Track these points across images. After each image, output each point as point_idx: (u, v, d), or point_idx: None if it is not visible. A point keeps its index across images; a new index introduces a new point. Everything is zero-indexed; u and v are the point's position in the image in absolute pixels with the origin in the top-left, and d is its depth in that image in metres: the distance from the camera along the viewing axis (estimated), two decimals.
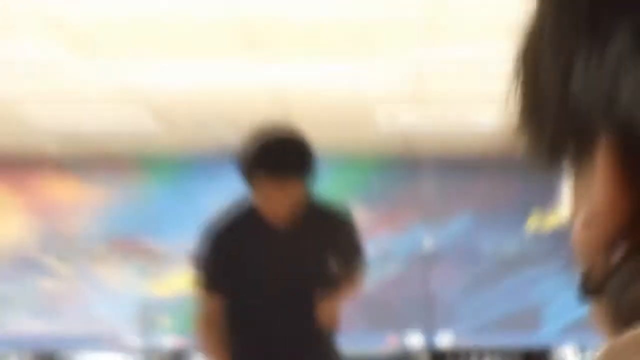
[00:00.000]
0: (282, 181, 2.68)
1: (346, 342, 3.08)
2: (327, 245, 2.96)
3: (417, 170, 6.45)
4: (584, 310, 0.35)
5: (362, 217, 4.13)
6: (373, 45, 4.44)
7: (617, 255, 0.33)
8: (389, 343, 6.38)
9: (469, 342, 6.45)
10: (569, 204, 0.36)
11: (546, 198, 5.86)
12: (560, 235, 5.54)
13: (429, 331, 6.41)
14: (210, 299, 2.84)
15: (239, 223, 2.84)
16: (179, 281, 5.87)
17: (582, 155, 0.33)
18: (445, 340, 6.45)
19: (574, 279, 0.34)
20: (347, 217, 3.06)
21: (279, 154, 2.72)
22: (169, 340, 6.14)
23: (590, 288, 0.34)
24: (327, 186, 3.44)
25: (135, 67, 4.87)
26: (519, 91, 0.36)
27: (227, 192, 3.28)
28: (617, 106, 0.31)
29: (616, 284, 0.32)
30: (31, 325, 6.34)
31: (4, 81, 5.05)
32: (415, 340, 6.45)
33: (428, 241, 6.53)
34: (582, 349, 5.78)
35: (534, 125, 0.36)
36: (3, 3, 4.00)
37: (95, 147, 6.22)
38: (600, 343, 0.32)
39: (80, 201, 6.37)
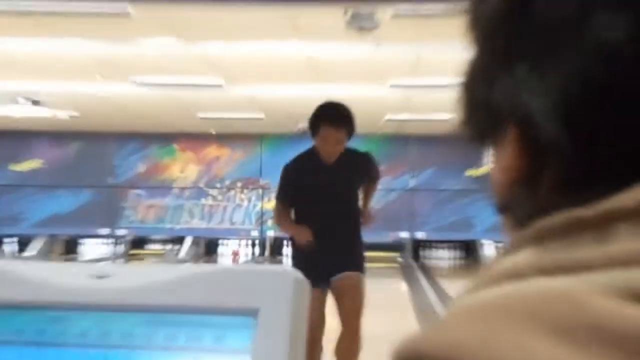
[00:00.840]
0: (335, 128, 3.42)
1: (366, 236, 3.83)
2: (358, 171, 3.76)
3: (406, 143, 10.53)
4: (498, 220, 0.43)
5: None
6: (381, 76, 7.00)
7: (515, 190, 0.41)
8: (390, 237, 10.10)
9: (433, 237, 10.52)
10: (491, 162, 0.44)
11: (477, 159, 9.59)
12: (485, 179, 8.05)
13: (412, 230, 10.54)
14: (283, 206, 3.72)
15: (303, 161, 3.66)
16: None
17: (498, 136, 0.41)
18: (420, 235, 10.55)
19: (492, 202, 0.43)
20: (370, 156, 3.95)
21: (334, 111, 3.51)
22: (272, 233, 10.10)
23: (500, 208, 0.43)
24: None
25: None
26: (463, 99, 0.45)
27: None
28: (517, 108, 0.40)
29: (514, 205, 0.42)
30: (199, 224, 10.62)
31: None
32: (404, 235, 10.52)
33: (412, 182, 10.78)
34: (497, 243, 9.13)
35: (471, 119, 0.44)
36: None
37: (231, 129, 10.00)
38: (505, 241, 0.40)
39: (225, 158, 10.61)
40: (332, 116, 3.46)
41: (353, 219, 3.70)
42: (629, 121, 0.37)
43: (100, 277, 0.53)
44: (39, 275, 0.54)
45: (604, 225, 0.36)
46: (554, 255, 0.36)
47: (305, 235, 3.51)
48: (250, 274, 0.53)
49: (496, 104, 0.41)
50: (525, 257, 0.37)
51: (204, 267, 0.56)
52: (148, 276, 0.53)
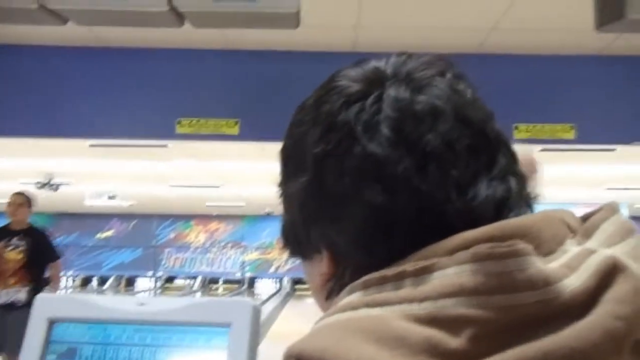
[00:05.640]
0: None
1: None
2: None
3: None
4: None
5: None
6: None
7: (329, 284, 0.48)
8: None
9: None
10: (306, 272, 0.49)
11: None
12: None
13: None
14: None
15: None
16: None
17: (314, 254, 0.49)
18: None
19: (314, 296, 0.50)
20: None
21: None
22: (249, 274, 12.91)
23: (319, 300, 0.48)
24: None
25: None
26: (288, 234, 0.50)
27: None
28: (329, 242, 0.47)
29: (330, 292, 0.48)
30: (205, 269, 13.28)
31: None
32: None
33: None
34: None
35: (294, 244, 0.51)
36: None
37: (225, 212, 12.41)
38: None
39: (222, 229, 13.51)
40: None
41: None
42: (385, 243, 0.46)
43: (140, 304, 0.64)
44: (104, 303, 0.65)
45: (399, 278, 0.43)
46: (373, 296, 0.43)
47: None
48: (227, 302, 0.63)
49: (314, 239, 0.49)
50: (356, 297, 0.44)
51: (200, 299, 0.67)
52: (168, 304, 0.64)
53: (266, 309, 8.36)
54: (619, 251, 0.44)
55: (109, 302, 0.65)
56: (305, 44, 3.55)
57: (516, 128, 3.73)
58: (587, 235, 0.46)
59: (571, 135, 3.75)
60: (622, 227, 0.47)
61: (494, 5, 3.18)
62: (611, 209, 0.49)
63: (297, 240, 0.52)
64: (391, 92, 0.48)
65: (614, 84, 3.88)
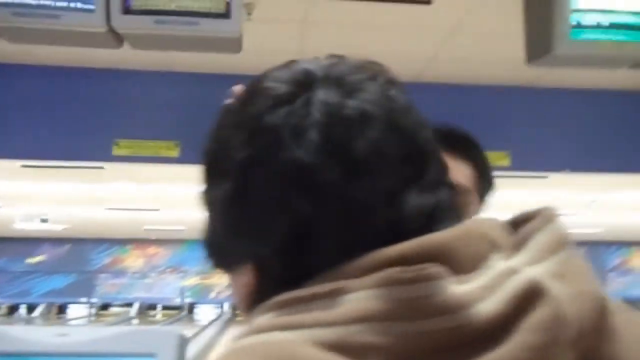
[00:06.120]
0: None
1: None
2: None
3: None
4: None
5: None
6: None
7: (252, 296, 0.47)
8: None
9: None
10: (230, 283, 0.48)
11: None
12: None
13: None
14: None
15: None
16: None
17: (238, 264, 0.48)
18: None
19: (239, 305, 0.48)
20: None
21: None
22: (188, 300, 12.81)
23: (243, 311, 0.46)
24: None
25: None
26: (212, 247, 0.49)
27: None
28: (253, 254, 0.46)
29: (253, 303, 0.46)
30: (143, 294, 13.07)
31: None
32: None
33: None
34: None
35: (219, 256, 0.49)
36: None
37: (164, 236, 12.64)
38: None
39: (160, 254, 13.38)
40: None
41: None
42: (311, 255, 0.45)
43: (61, 335, 0.62)
44: (22, 335, 0.62)
45: (310, 300, 0.42)
46: (285, 318, 0.42)
47: None
48: (151, 331, 0.63)
49: (238, 249, 0.48)
50: (268, 318, 0.44)
51: (125, 328, 0.64)
52: (91, 334, 0.62)
53: (206, 335, 8.22)
54: (545, 269, 0.42)
55: (28, 334, 0.63)
56: (248, 67, 3.54)
57: None
58: (518, 247, 0.44)
59: (506, 162, 3.90)
60: (555, 239, 0.45)
61: (432, 37, 3.29)
62: (546, 217, 0.47)
63: (220, 250, 0.50)
64: (320, 95, 0.46)
65: (545, 114, 4.08)
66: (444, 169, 0.50)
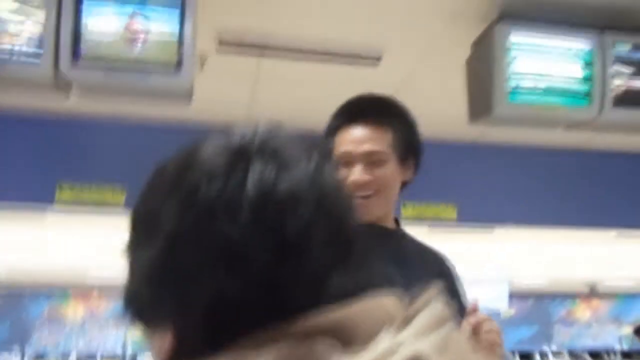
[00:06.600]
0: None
1: None
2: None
3: None
4: None
5: None
6: None
7: (171, 358, 0.47)
8: None
9: None
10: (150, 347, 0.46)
11: None
12: None
13: None
14: None
15: None
16: None
17: (158, 327, 0.48)
18: None
19: None
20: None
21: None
22: (130, 351, 12.47)
23: None
24: None
25: None
26: (128, 295, 0.49)
27: None
28: (173, 322, 0.47)
29: None
30: (82, 347, 12.60)
31: None
32: None
33: None
34: None
35: (137, 314, 0.49)
36: None
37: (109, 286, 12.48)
38: None
39: (104, 304, 12.98)
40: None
41: None
42: (228, 331, 0.45)
43: None
44: None
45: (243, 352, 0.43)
46: None
47: None
48: None
49: (159, 315, 0.49)
50: None
51: None
52: None
53: None
54: (427, 344, 0.44)
55: None
56: (199, 116, 3.57)
57: (404, 205, 3.86)
58: (406, 323, 0.46)
59: (453, 215, 3.96)
60: (435, 318, 0.47)
61: (382, 92, 3.43)
62: (427, 298, 0.49)
63: (140, 310, 0.50)
64: (256, 168, 0.47)
65: (490, 169, 4.21)
66: (366, 249, 0.52)
